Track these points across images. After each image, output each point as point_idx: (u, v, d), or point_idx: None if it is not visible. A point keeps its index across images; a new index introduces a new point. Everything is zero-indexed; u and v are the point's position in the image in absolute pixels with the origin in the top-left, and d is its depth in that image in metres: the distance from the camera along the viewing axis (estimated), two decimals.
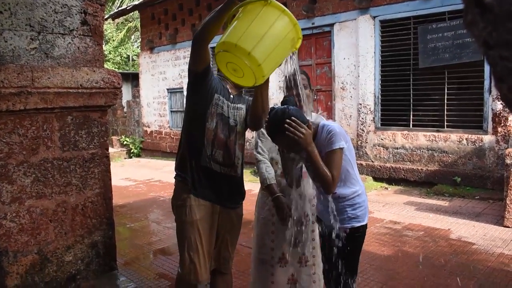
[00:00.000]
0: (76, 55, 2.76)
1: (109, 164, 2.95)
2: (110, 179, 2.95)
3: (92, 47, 2.84)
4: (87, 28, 2.81)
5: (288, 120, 2.08)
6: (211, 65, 2.48)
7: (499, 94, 0.50)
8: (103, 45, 3.15)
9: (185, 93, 8.75)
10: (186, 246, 2.47)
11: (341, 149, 2.17)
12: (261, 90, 2.36)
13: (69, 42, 2.73)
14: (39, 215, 2.57)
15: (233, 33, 1.92)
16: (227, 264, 2.71)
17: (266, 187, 2.77)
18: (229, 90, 2.55)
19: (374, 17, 7.58)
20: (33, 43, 2.55)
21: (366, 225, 2.37)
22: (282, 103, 2.43)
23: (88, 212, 2.82)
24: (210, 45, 2.48)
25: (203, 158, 2.47)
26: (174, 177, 2.66)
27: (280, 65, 2.17)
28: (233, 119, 2.54)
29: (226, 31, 2.00)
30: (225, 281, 2.76)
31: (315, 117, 2.81)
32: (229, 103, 2.52)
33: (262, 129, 2.82)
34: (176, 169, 2.64)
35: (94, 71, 2.73)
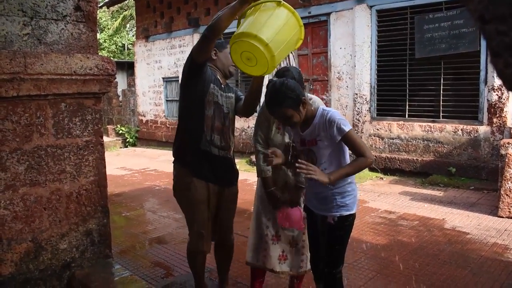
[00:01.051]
0: (69, 41, 2.73)
1: (104, 152, 2.94)
2: (105, 167, 2.93)
3: (85, 34, 2.81)
4: (81, 14, 2.77)
5: (300, 161, 2.12)
6: None
7: (494, 69, 0.49)
8: (98, 34, 3.14)
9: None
10: (196, 223, 2.82)
11: (351, 129, 2.21)
12: (260, 78, 2.60)
13: (62, 28, 2.69)
14: (33, 202, 2.55)
15: (253, 25, 2.13)
16: (230, 234, 3.04)
17: (261, 179, 2.90)
18: (220, 80, 2.77)
19: (370, 7, 7.55)
20: (26, 29, 2.52)
21: (354, 214, 2.36)
22: (279, 75, 2.48)
23: (83, 200, 2.80)
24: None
25: (203, 143, 2.71)
26: (173, 162, 2.89)
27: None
28: (226, 107, 2.78)
29: (243, 24, 2.21)
30: (228, 253, 3.09)
31: (314, 100, 2.83)
32: (222, 92, 2.76)
33: (260, 119, 2.87)
34: (175, 154, 2.89)
35: (88, 57, 2.70)
